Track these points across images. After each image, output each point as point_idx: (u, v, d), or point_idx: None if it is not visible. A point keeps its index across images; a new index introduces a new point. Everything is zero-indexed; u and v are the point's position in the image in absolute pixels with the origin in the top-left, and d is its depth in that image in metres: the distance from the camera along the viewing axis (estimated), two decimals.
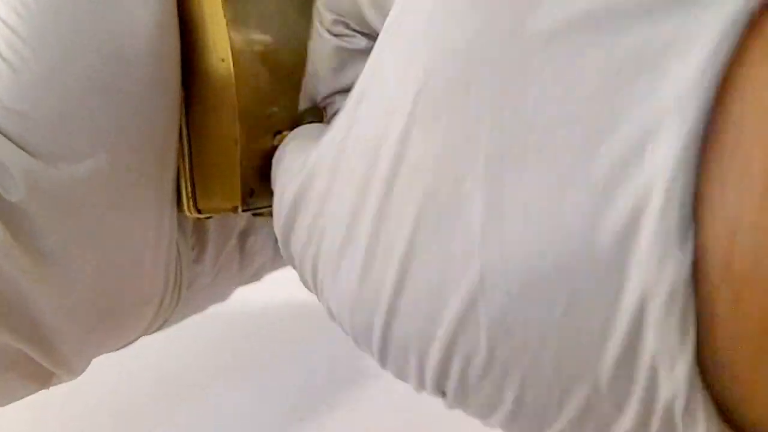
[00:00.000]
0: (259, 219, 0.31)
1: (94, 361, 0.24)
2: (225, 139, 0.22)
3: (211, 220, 0.27)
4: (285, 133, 0.23)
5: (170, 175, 0.23)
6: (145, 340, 0.26)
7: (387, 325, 0.15)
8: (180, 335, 0.30)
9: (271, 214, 0.24)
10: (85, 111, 0.20)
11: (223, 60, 0.22)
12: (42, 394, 0.23)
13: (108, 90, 0.20)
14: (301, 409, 0.35)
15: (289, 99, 0.24)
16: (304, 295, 0.21)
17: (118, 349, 0.26)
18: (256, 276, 0.31)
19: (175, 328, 0.29)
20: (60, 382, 0.24)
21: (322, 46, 0.22)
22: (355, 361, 0.38)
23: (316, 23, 0.22)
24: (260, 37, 0.23)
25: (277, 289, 0.36)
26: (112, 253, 0.22)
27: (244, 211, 0.23)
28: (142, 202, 0.22)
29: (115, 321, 0.23)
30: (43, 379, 0.23)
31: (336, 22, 0.21)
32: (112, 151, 0.21)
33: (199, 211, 0.24)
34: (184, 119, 0.23)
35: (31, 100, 0.19)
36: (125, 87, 0.21)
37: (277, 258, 0.32)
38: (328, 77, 0.23)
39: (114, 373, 0.35)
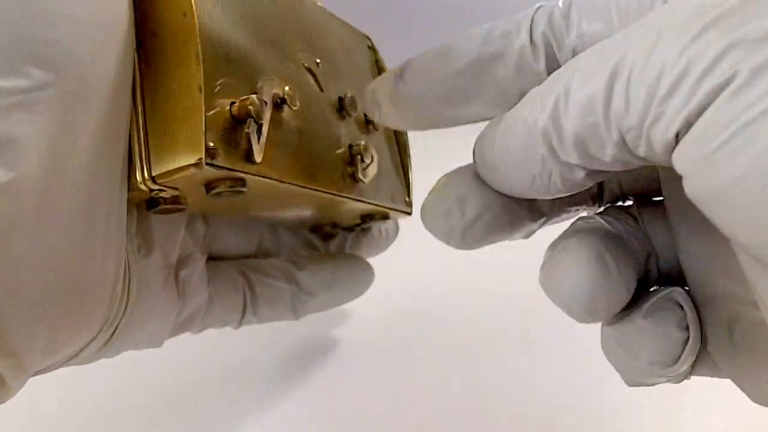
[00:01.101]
0: (194, 255, 0.28)
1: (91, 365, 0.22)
2: (188, 87, 0.22)
3: (154, 224, 0.25)
4: (243, 99, 0.23)
5: (121, 142, 0.22)
6: None
7: None
8: (179, 338, 0.28)
9: (234, 189, 0.23)
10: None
11: (184, 15, 0.22)
12: (39, 400, 0.20)
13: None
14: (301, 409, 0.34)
15: (238, 71, 0.24)
16: None
17: (71, 357, 0.22)
18: (187, 323, 0.28)
19: None
20: (4, 391, 0.20)
21: None
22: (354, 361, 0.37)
23: None
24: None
25: None
26: (54, 220, 0.19)
27: (208, 165, 0.21)
28: (94, 164, 0.20)
29: (64, 307, 0.20)
30: None
31: None
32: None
33: (153, 180, 0.22)
34: (138, 78, 0.22)
35: None
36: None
37: (213, 310, 0.29)
38: None
39: (113, 376, 0.34)
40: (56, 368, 0.22)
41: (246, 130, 0.22)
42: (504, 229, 0.21)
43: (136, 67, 0.22)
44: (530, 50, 0.19)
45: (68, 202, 0.20)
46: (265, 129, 0.23)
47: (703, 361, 0.21)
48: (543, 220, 0.22)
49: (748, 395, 0.20)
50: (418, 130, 0.24)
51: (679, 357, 0.19)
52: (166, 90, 0.22)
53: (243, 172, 0.23)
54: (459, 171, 0.21)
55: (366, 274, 0.35)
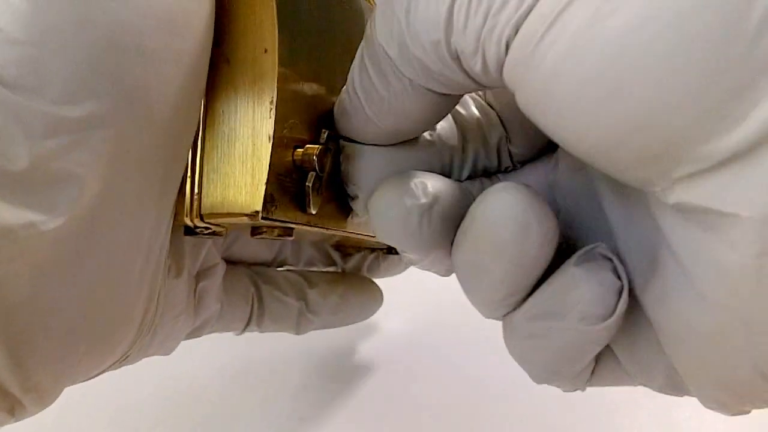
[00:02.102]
0: (217, 266, 0.27)
1: None
2: (256, 132, 0.20)
3: (185, 241, 0.24)
4: (309, 147, 0.21)
5: (179, 172, 0.20)
6: None
7: None
8: (187, 343, 0.28)
9: (281, 236, 0.21)
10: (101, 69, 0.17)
11: (265, 51, 0.20)
12: None
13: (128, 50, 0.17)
14: (301, 409, 0.34)
15: (305, 112, 0.22)
16: None
17: (90, 377, 0.21)
18: (196, 332, 0.28)
19: None
20: (23, 416, 0.19)
21: None
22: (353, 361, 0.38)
23: None
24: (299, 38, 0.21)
25: None
26: (106, 244, 0.18)
27: (264, 218, 0.20)
28: (145, 203, 0.19)
29: (93, 344, 0.19)
30: (5, 407, 0.18)
31: None
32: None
33: (201, 218, 0.20)
34: (202, 104, 0.20)
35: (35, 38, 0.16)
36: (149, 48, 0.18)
37: (222, 319, 0.28)
38: None
39: (113, 375, 0.33)
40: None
41: (307, 184, 0.21)
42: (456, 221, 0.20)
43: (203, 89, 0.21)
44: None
45: (112, 244, 0.18)
46: (324, 178, 0.22)
47: (603, 370, 0.21)
48: None
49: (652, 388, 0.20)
50: None
51: (615, 307, 0.18)
52: (230, 125, 0.20)
53: (295, 223, 0.21)
54: (395, 177, 0.20)
55: (374, 302, 0.35)
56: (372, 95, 0.20)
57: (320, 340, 0.40)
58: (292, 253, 0.32)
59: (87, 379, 0.21)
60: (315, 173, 0.21)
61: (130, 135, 0.18)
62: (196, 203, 0.20)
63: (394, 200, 0.20)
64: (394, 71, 0.19)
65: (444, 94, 0.19)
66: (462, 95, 0.21)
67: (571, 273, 0.18)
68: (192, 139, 0.20)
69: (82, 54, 0.16)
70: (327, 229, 0.23)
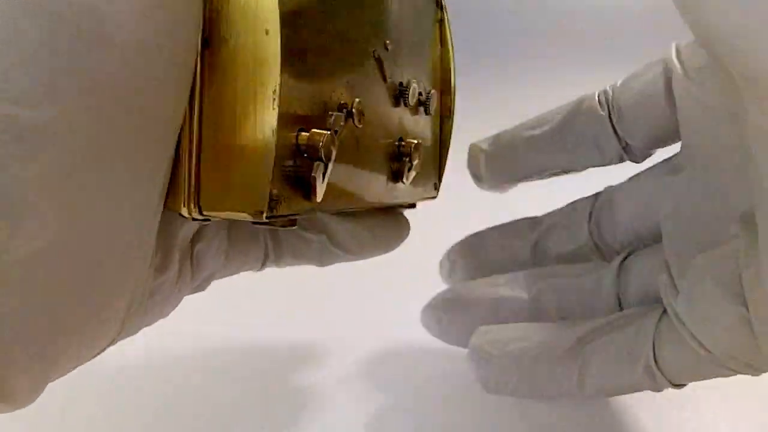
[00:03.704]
0: (212, 224, 0.26)
1: (93, 364, 0.21)
2: (258, 124, 0.18)
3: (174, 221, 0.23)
4: (315, 132, 0.20)
5: (166, 173, 0.19)
6: (144, 342, 0.24)
7: None
8: (178, 337, 0.28)
9: (285, 226, 0.20)
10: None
11: (267, 32, 0.18)
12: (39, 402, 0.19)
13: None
14: (301, 410, 0.34)
15: (317, 84, 0.20)
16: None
17: (77, 365, 0.20)
18: (201, 286, 0.27)
19: (173, 329, 0.27)
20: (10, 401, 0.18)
21: None
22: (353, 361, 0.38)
23: None
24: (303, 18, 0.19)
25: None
26: (83, 228, 0.17)
27: (269, 218, 0.19)
28: (131, 175, 0.17)
29: (65, 351, 0.18)
30: None
31: None
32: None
33: (200, 211, 0.19)
34: (198, 85, 0.18)
35: None
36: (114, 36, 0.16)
37: (228, 264, 0.27)
38: None
39: (112, 374, 0.34)
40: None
41: (313, 175, 0.20)
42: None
43: (198, 72, 0.19)
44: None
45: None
46: (330, 166, 0.20)
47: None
48: None
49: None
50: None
51: None
52: (230, 114, 0.18)
53: (299, 214, 0.20)
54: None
55: (401, 231, 0.32)
56: None
57: (321, 339, 0.40)
58: None
59: (66, 373, 0.20)
60: (320, 162, 0.20)
61: (97, 137, 0.16)
62: (193, 196, 0.19)
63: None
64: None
65: None
66: None
67: None
68: (177, 133, 0.18)
69: (35, 46, 0.14)
70: (332, 212, 0.22)
